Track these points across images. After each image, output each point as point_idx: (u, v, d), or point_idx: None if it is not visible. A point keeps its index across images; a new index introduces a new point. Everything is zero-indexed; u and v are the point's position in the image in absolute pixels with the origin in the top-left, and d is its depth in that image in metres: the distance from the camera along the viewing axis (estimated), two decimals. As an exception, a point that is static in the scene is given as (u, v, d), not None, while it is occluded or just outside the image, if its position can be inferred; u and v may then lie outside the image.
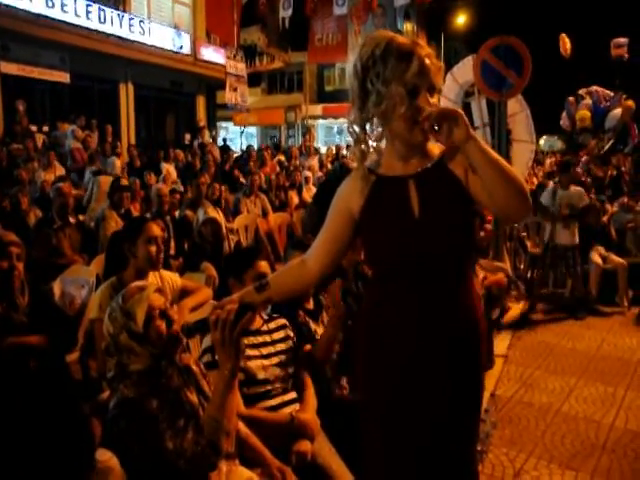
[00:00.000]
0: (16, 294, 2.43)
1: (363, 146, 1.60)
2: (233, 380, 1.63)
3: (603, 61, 18.60)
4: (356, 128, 1.59)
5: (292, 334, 2.40)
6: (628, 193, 7.71)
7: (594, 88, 16.28)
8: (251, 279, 2.26)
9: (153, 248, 2.72)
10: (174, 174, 9.17)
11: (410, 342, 1.56)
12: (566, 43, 18.36)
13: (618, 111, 15.18)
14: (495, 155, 1.46)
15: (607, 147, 14.70)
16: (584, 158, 12.72)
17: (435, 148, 1.60)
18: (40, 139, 10.18)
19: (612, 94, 16.12)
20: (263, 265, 2.39)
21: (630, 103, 15.27)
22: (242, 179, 8.73)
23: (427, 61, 1.48)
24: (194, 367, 1.91)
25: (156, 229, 2.78)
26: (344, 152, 13.33)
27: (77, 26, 12.10)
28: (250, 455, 1.92)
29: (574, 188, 5.97)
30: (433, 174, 1.56)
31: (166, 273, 2.93)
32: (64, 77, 12.57)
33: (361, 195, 1.60)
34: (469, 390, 1.61)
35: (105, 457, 1.47)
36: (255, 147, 13.72)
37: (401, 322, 1.57)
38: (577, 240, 5.82)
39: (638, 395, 3.86)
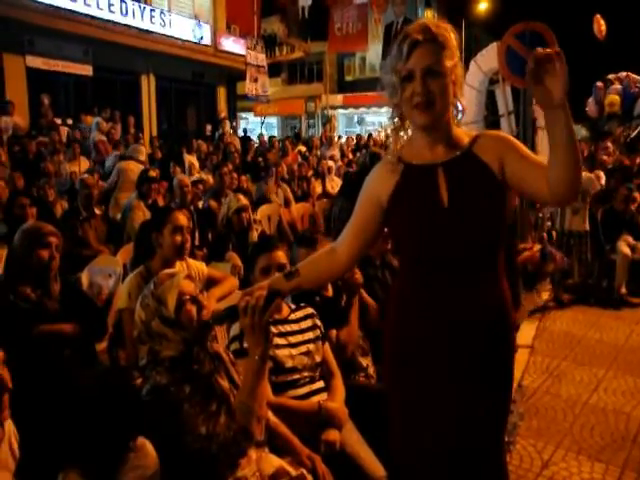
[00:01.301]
0: (51, 283, 2.50)
1: (400, 133, 1.61)
2: (263, 366, 1.64)
3: (634, 46, 17.98)
4: (390, 118, 1.61)
5: (319, 323, 2.40)
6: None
7: (624, 73, 15.85)
8: (260, 273, 2.29)
9: (179, 237, 2.75)
10: (197, 165, 9.21)
11: (437, 332, 1.55)
12: (601, 25, 17.77)
13: (649, 97, 14.77)
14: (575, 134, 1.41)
15: (634, 135, 14.34)
16: (607, 144, 12.44)
17: (464, 136, 1.59)
18: (64, 132, 10.30)
19: (641, 79, 15.69)
20: (278, 256, 2.35)
21: (662, 89, 14.83)
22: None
23: (421, 42, 1.46)
24: (224, 355, 1.93)
25: (182, 218, 2.81)
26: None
27: (100, 19, 12.21)
28: (279, 444, 1.93)
29: (585, 174, 5.98)
30: (462, 162, 1.55)
31: (193, 262, 2.96)
32: (87, 70, 12.70)
33: (390, 183, 1.60)
34: (497, 381, 1.60)
35: (140, 442, 1.49)
36: (271, 137, 13.68)
37: (428, 311, 1.57)
38: (587, 226, 5.88)
39: (669, 387, 3.79)
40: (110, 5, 12.48)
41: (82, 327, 2.49)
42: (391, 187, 1.59)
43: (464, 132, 1.61)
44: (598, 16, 17.93)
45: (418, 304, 1.59)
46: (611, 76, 16.06)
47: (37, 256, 2.47)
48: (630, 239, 6.00)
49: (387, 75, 1.53)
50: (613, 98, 15.37)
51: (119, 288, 2.88)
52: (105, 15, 12.36)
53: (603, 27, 17.78)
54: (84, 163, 8.37)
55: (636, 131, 14.32)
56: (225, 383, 1.81)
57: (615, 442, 3.11)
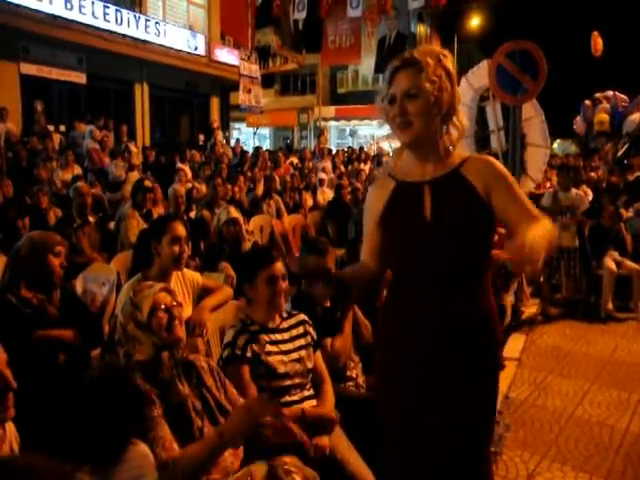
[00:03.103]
0: (54, 289, 2.56)
1: (403, 155, 1.70)
2: (224, 449, 1.76)
3: (622, 64, 18.18)
4: (387, 136, 1.72)
5: (311, 330, 2.44)
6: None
7: (610, 92, 16.08)
8: (265, 284, 2.29)
9: (177, 248, 2.77)
10: (189, 174, 9.25)
11: (424, 343, 1.61)
12: (598, 43, 18.03)
13: (637, 116, 14.97)
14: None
15: (621, 152, 14.54)
16: (595, 161, 12.62)
17: (455, 156, 1.66)
18: (57, 139, 10.30)
19: (627, 98, 15.93)
20: (279, 267, 2.37)
21: (651, 107, 15.02)
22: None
23: (400, 67, 1.59)
24: (203, 364, 1.99)
25: (181, 229, 2.84)
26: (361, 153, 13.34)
27: (94, 27, 12.23)
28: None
29: (575, 191, 6.05)
30: (448, 181, 1.62)
31: (187, 271, 2.98)
32: (81, 78, 12.73)
33: (382, 199, 1.69)
34: (483, 391, 1.66)
35: (137, 443, 1.54)
36: (257, 148, 13.68)
37: (416, 323, 1.62)
38: (577, 242, 5.95)
39: (652, 400, 3.86)
40: (105, 14, 12.52)
41: (80, 334, 2.53)
42: (383, 203, 1.68)
43: (456, 153, 1.67)
44: (596, 33, 18.22)
45: (405, 316, 1.65)
46: (598, 95, 16.30)
47: (48, 264, 2.56)
48: (616, 255, 6.09)
49: (379, 101, 1.66)
50: (602, 117, 15.58)
51: (120, 293, 2.91)
52: (100, 24, 12.38)
53: (600, 45, 18.07)
54: (77, 171, 8.37)
55: (624, 148, 14.53)
56: (185, 389, 1.88)
57: (599, 453, 3.17)
